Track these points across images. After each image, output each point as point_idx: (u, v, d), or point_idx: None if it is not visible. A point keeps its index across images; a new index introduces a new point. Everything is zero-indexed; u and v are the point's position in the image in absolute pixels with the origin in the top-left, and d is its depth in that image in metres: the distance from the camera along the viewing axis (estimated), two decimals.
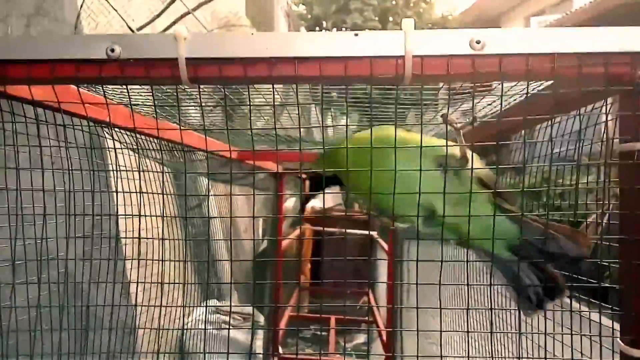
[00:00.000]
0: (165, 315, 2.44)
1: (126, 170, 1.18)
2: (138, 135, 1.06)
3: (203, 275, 3.25)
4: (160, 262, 2.28)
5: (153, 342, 2.48)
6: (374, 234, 4.19)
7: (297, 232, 4.12)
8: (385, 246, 3.08)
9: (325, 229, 4.33)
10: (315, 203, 3.95)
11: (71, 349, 1.92)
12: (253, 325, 2.61)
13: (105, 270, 2.20)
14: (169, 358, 2.61)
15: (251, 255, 4.09)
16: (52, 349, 1.69)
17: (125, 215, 2.23)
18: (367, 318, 3.84)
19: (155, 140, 1.11)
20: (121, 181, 1.29)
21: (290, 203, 4.79)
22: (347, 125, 0.83)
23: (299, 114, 0.73)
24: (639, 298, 0.64)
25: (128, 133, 1.04)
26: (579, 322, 0.83)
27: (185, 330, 2.72)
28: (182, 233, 2.93)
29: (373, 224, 4.46)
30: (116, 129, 1.00)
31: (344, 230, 4.23)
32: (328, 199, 6.28)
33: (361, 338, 4.10)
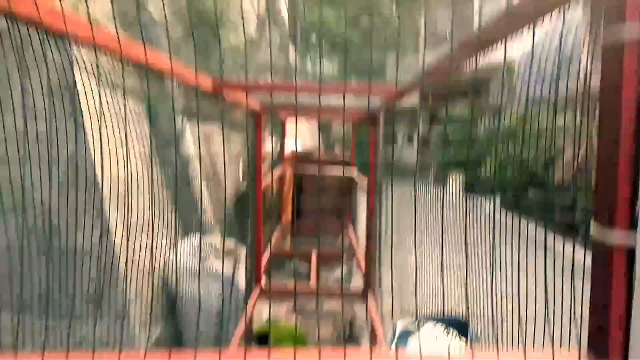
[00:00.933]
0: (147, 251, 2.49)
1: (97, 105, 1.17)
2: (106, 58, 1.04)
3: (184, 212, 3.30)
4: (140, 202, 2.31)
5: (135, 280, 2.55)
6: (354, 174, 4.26)
7: (277, 172, 4.17)
8: (365, 185, 3.15)
9: (306, 171, 4.38)
10: (295, 143, 3.97)
11: (55, 290, 1.96)
12: (237, 259, 2.69)
13: (84, 211, 2.22)
14: (154, 289, 2.69)
15: (233, 195, 4.14)
16: (32, 291, 1.73)
17: (101, 154, 2.21)
18: (346, 253, 3.98)
19: (124, 63, 1.10)
20: (91, 118, 1.28)
21: (270, 144, 4.80)
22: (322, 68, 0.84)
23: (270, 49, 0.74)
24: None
25: (95, 55, 1.02)
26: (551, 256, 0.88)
27: (168, 265, 2.80)
28: (161, 173, 2.95)
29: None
30: (80, 47, 0.98)
31: (324, 171, 4.29)
32: (307, 142, 6.30)
33: (340, 272, 4.26)
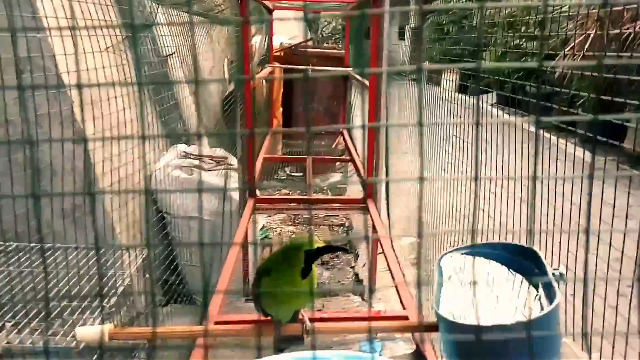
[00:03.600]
0: (126, 164, 2.22)
1: None
2: None
3: (167, 121, 3.00)
4: (114, 108, 1.95)
5: (117, 196, 2.33)
6: (350, 70, 3.91)
7: (266, 71, 3.79)
8: (366, 82, 2.83)
9: (296, 66, 4.00)
10: (283, 39, 3.53)
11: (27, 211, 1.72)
12: (228, 168, 2.47)
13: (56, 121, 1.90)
14: (139, 205, 2.49)
15: (218, 99, 3.80)
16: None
17: (63, 48, 1.82)
18: (342, 157, 3.78)
19: None
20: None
21: (256, 40, 4.34)
22: None
23: None
24: None
25: None
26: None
27: (153, 176, 2.57)
28: (137, 74, 2.59)
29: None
30: None
31: (316, 67, 3.92)
32: (296, 34, 5.78)
33: (337, 177, 4.10)
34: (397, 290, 1.67)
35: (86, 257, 1.86)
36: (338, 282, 2.82)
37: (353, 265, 2.99)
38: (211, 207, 2.57)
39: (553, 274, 0.77)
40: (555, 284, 0.75)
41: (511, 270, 0.87)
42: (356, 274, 2.89)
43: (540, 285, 0.80)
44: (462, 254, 0.94)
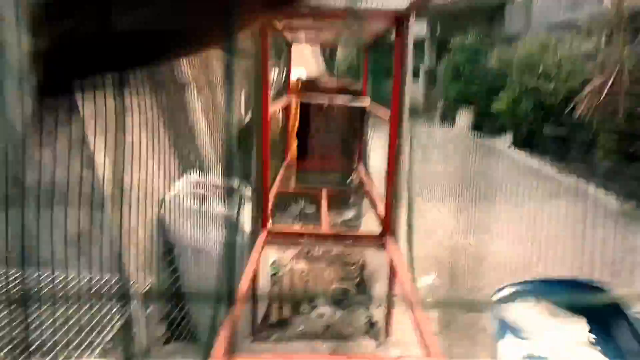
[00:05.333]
0: (140, 190, 2.15)
1: None
2: None
3: (181, 148, 2.95)
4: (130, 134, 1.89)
5: (127, 224, 2.24)
6: (366, 103, 3.86)
7: (281, 103, 3.76)
8: (386, 114, 2.76)
9: (313, 100, 3.97)
10: (302, 73, 3.49)
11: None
12: (241, 199, 2.38)
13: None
14: (148, 233, 2.40)
15: (234, 130, 3.76)
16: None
17: None
18: (357, 192, 3.68)
19: None
20: None
21: (274, 73, 4.35)
22: None
23: None
24: None
25: None
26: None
27: (164, 205, 2.48)
28: (152, 95, 2.56)
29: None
30: None
31: (333, 100, 3.88)
32: (313, 69, 5.80)
33: (350, 214, 3.99)
34: (421, 334, 1.53)
35: (89, 284, 1.76)
36: (350, 325, 2.66)
37: (366, 306, 2.83)
38: (220, 239, 2.47)
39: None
40: None
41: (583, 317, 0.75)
42: (370, 316, 2.73)
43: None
44: (519, 295, 0.82)
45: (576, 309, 0.73)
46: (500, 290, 0.76)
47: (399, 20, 2.28)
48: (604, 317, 0.68)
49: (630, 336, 0.61)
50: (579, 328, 0.70)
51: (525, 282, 0.77)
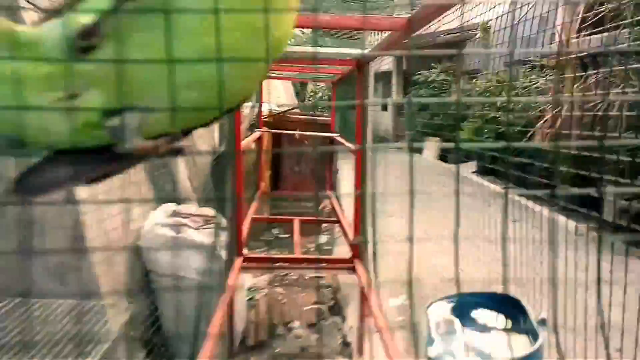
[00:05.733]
0: (118, 223, 2.24)
1: None
2: None
3: (157, 179, 3.05)
4: None
5: (105, 254, 2.32)
6: (335, 135, 4.07)
7: (254, 135, 3.92)
8: (351, 146, 2.95)
9: (284, 132, 4.15)
10: (272, 106, 3.71)
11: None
12: (218, 227, 2.49)
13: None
14: (126, 262, 2.47)
15: (208, 161, 3.89)
16: None
17: None
18: (329, 219, 3.82)
19: None
20: None
21: (246, 107, 4.52)
22: None
23: None
24: None
25: None
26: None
27: (142, 235, 2.57)
28: None
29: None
30: None
31: (303, 132, 4.07)
32: (285, 101, 6.04)
33: (323, 239, 4.12)
34: (385, 346, 1.66)
35: (69, 314, 1.83)
36: (325, 346, 2.76)
37: (340, 327, 2.94)
38: (198, 266, 2.56)
39: (538, 320, 0.82)
40: (538, 329, 0.79)
41: (500, 314, 0.91)
42: (344, 336, 2.84)
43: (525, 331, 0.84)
44: (449, 302, 0.98)
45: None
46: (431, 304, 0.92)
47: (360, 64, 2.51)
48: (513, 313, 0.85)
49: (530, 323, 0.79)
50: (497, 321, 0.87)
51: (452, 295, 0.93)
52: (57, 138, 0.37)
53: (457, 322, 0.91)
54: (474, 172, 8.61)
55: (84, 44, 0.34)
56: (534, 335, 0.79)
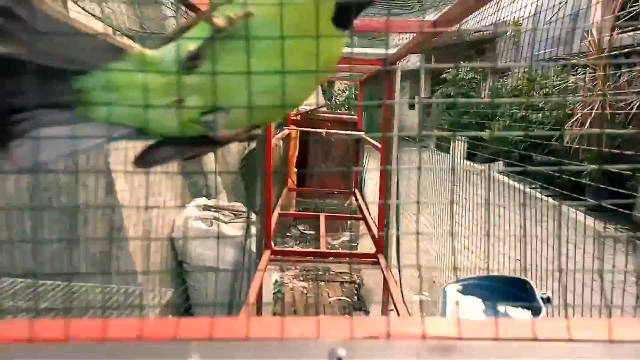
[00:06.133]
0: (154, 216, 2.38)
1: None
2: None
3: (190, 175, 3.18)
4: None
5: (142, 243, 2.46)
6: (361, 133, 4.13)
7: (283, 133, 4.03)
8: (377, 144, 3.02)
9: (311, 130, 4.24)
10: (301, 105, 3.78)
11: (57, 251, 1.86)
12: (248, 221, 2.60)
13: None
14: (161, 255, 2.61)
15: (238, 157, 4.02)
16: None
17: None
18: (353, 215, 3.90)
19: None
20: None
21: None
22: None
23: None
24: None
25: None
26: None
27: (176, 227, 2.70)
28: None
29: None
30: None
31: (330, 130, 4.15)
32: (312, 100, 6.13)
33: (347, 235, 4.20)
34: None
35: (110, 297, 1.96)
36: None
37: None
38: (229, 258, 2.68)
39: (541, 297, 0.88)
40: (542, 305, 0.85)
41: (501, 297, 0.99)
42: None
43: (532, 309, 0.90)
44: (463, 284, 1.05)
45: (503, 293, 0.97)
46: (447, 285, 1.00)
47: (386, 64, 2.57)
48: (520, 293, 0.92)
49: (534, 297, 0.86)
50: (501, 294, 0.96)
51: (469, 278, 1.01)
52: (169, 129, 0.55)
53: (463, 300, 0.98)
54: (500, 172, 8.53)
55: (190, 64, 0.51)
56: (538, 313, 0.86)
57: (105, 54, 0.52)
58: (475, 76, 9.43)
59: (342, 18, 0.52)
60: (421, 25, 1.52)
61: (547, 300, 0.88)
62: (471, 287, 1.01)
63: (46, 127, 0.52)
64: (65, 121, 0.53)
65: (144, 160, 0.57)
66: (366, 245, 3.76)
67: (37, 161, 0.52)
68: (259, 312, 2.66)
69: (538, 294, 0.89)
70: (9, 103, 0.50)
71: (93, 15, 1.03)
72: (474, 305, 0.96)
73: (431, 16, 1.82)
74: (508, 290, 0.97)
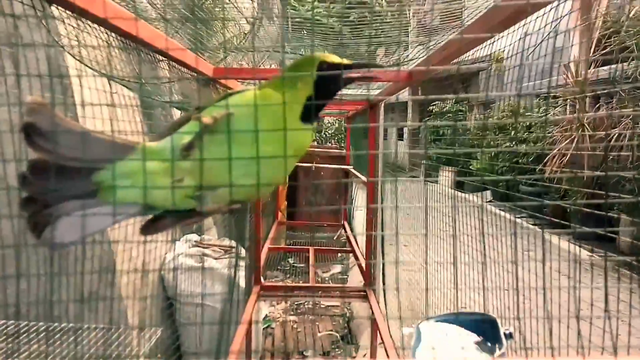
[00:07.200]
0: (144, 252, 2.40)
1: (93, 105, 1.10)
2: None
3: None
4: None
5: (132, 282, 2.48)
6: (350, 167, 4.21)
7: None
8: (364, 178, 3.09)
9: (301, 164, 4.32)
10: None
11: (39, 293, 1.88)
12: (238, 257, 2.63)
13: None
14: (150, 289, 2.62)
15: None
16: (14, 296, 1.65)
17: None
18: (343, 248, 3.94)
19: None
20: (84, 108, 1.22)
21: None
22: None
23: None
24: None
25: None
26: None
27: (166, 265, 2.72)
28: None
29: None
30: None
31: (319, 164, 4.23)
32: None
33: (337, 268, 4.22)
34: None
35: (97, 340, 1.96)
36: None
37: (354, 356, 3.01)
38: (218, 294, 2.69)
39: (504, 333, 0.94)
40: (504, 339, 0.91)
41: (472, 332, 1.04)
42: None
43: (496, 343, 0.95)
44: (436, 320, 1.10)
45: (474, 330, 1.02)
46: (420, 322, 1.05)
47: (372, 105, 2.68)
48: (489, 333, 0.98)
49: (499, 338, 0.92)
50: (471, 338, 0.99)
51: (442, 315, 1.06)
52: (168, 204, 0.67)
53: (439, 344, 1.03)
54: (489, 202, 8.67)
55: (185, 153, 0.64)
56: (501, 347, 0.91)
57: (117, 151, 0.66)
58: (462, 108, 9.68)
59: (309, 115, 0.68)
60: (397, 76, 1.62)
61: (510, 336, 0.94)
62: (443, 325, 1.06)
63: (75, 213, 0.65)
64: (90, 205, 0.66)
65: (149, 229, 0.72)
66: (356, 278, 3.78)
67: (71, 241, 0.66)
68: (248, 350, 2.66)
69: (502, 329, 0.95)
70: (44, 199, 0.63)
71: (96, 71, 1.10)
72: (449, 349, 1.01)
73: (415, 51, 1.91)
74: (477, 327, 1.02)
